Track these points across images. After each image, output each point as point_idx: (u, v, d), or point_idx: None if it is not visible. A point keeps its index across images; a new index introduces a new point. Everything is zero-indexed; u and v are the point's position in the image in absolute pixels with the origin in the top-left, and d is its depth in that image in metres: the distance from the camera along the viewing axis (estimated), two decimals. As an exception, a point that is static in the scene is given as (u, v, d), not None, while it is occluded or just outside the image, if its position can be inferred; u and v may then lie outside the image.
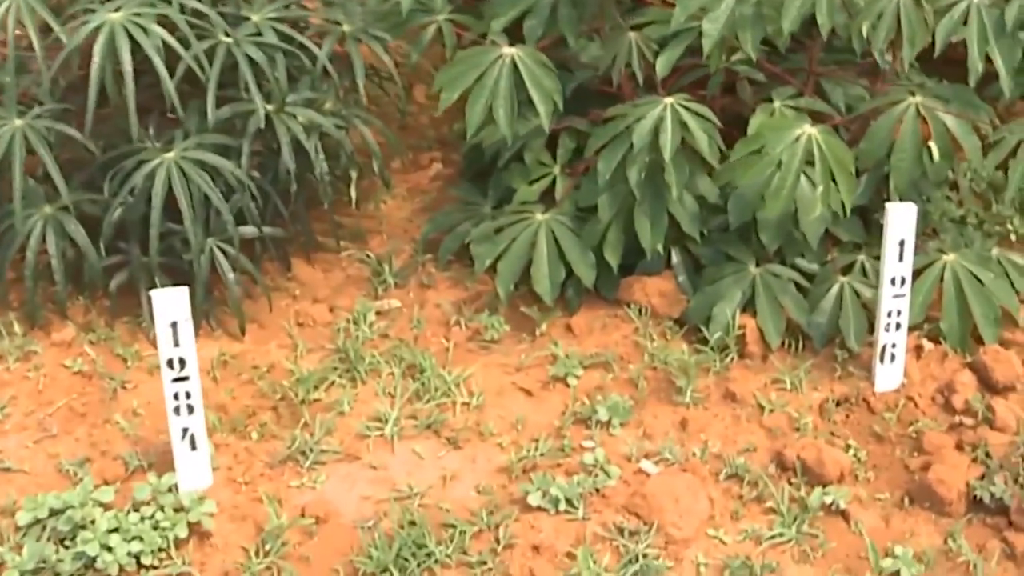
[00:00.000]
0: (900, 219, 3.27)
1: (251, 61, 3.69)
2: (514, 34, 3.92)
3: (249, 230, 3.73)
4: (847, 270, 3.72)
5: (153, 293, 2.96)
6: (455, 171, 4.48)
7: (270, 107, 3.73)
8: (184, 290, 2.95)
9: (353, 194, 4.19)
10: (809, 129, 3.47)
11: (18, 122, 3.62)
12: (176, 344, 3.00)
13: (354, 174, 4.13)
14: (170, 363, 3.02)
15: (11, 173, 3.57)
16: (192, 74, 3.60)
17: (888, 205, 3.26)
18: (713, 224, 3.77)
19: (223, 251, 3.67)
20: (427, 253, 4.14)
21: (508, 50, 3.70)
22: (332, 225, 4.11)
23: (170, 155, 3.57)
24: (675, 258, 3.82)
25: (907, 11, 3.47)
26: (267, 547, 3.03)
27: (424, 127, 4.52)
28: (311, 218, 4.07)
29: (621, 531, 3.10)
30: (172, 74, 3.57)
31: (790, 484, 3.23)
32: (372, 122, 3.99)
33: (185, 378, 3.05)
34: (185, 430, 3.11)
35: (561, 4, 3.85)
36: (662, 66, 3.68)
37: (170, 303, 2.95)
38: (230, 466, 3.30)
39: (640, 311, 3.76)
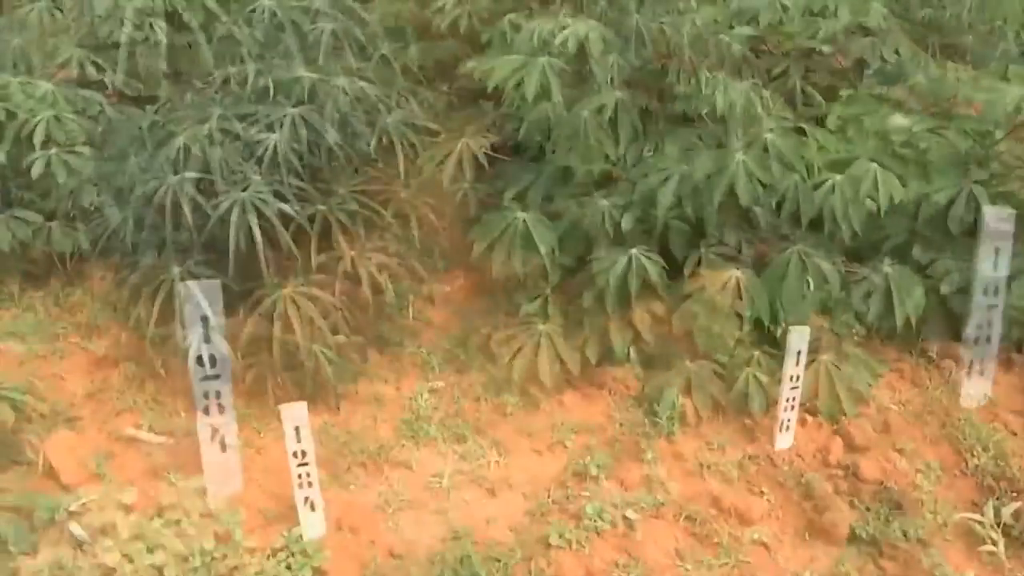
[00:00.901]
0: (798, 338, 3.09)
1: (340, 221, 3.47)
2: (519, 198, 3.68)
3: (340, 338, 3.50)
4: (749, 362, 3.45)
5: (282, 407, 2.73)
6: (472, 284, 4.20)
7: (353, 253, 3.49)
8: (303, 404, 2.73)
9: (412, 311, 3.91)
10: (736, 273, 3.28)
11: (177, 269, 3.38)
12: (299, 440, 2.77)
13: (412, 297, 3.89)
14: (295, 454, 2.78)
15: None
16: (299, 231, 3.37)
17: (791, 329, 3.04)
18: (659, 331, 3.53)
19: (323, 352, 3.39)
20: (460, 347, 3.87)
21: (520, 214, 3.54)
22: (395, 328, 3.83)
23: (286, 290, 3.35)
24: (633, 355, 3.55)
25: (802, 191, 3.26)
26: (370, 581, 2.79)
27: (450, 253, 4.21)
28: (380, 323, 3.76)
29: (617, 564, 2.89)
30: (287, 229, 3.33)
31: (728, 524, 2.99)
32: (422, 260, 3.76)
33: (306, 463, 2.78)
34: (307, 498, 2.89)
35: (553, 181, 3.61)
36: (626, 224, 3.50)
37: (294, 412, 2.75)
38: (338, 517, 3.02)
39: (610, 391, 3.53)
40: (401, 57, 4.73)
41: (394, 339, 3.87)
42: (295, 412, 2.72)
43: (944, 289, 3.81)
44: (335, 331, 3.47)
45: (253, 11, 4.64)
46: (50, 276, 4.31)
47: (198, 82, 4.10)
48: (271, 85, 3.69)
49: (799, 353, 3.10)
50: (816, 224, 3.44)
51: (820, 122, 4.15)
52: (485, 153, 3.69)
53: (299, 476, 2.82)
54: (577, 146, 3.39)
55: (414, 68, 4.73)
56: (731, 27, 5.14)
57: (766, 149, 3.34)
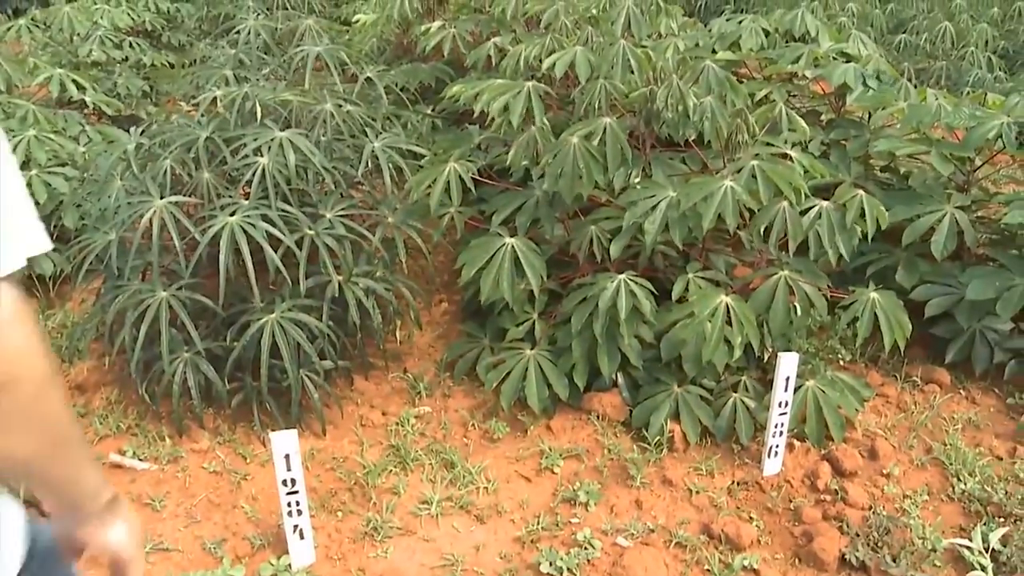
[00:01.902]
0: (787, 364, 3.08)
1: (327, 246, 3.43)
2: (507, 223, 3.69)
3: (327, 363, 3.49)
4: (736, 387, 3.46)
5: (272, 435, 2.71)
6: (456, 308, 4.22)
7: (340, 278, 3.46)
8: (294, 432, 2.73)
9: (399, 336, 3.88)
10: (725, 298, 3.27)
11: (163, 293, 3.33)
12: (288, 469, 2.74)
13: (398, 321, 3.86)
14: (284, 482, 2.76)
15: (159, 329, 3.27)
16: (286, 256, 3.32)
17: (780, 354, 3.05)
18: (646, 356, 3.50)
19: (310, 378, 3.37)
20: (446, 372, 3.87)
21: (509, 240, 3.52)
22: (381, 352, 3.80)
23: (273, 315, 3.31)
24: (620, 380, 3.57)
25: (790, 217, 3.27)
26: (363, 615, 2.73)
27: (433, 275, 4.20)
28: (366, 347, 3.74)
29: (607, 592, 2.83)
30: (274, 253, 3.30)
31: (718, 550, 2.98)
32: (409, 284, 3.69)
33: (295, 491, 2.75)
34: (296, 527, 2.85)
35: (540, 206, 3.60)
36: (615, 251, 3.49)
37: (284, 440, 2.74)
38: (326, 544, 2.98)
39: (598, 417, 3.53)
40: (385, 79, 4.74)
41: (380, 363, 3.85)
42: (286, 440, 2.69)
43: (928, 313, 3.86)
44: (322, 356, 3.45)
45: (238, 32, 4.63)
46: (31, 299, 4.27)
47: (183, 104, 4.08)
48: (258, 108, 3.68)
49: (788, 379, 3.10)
50: (801, 248, 3.45)
51: (804, 147, 4.18)
52: (472, 177, 3.67)
53: (288, 505, 2.78)
54: (565, 172, 3.38)
55: (397, 90, 4.73)
56: (713, 52, 5.20)
57: (754, 175, 3.34)
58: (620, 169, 3.54)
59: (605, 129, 3.43)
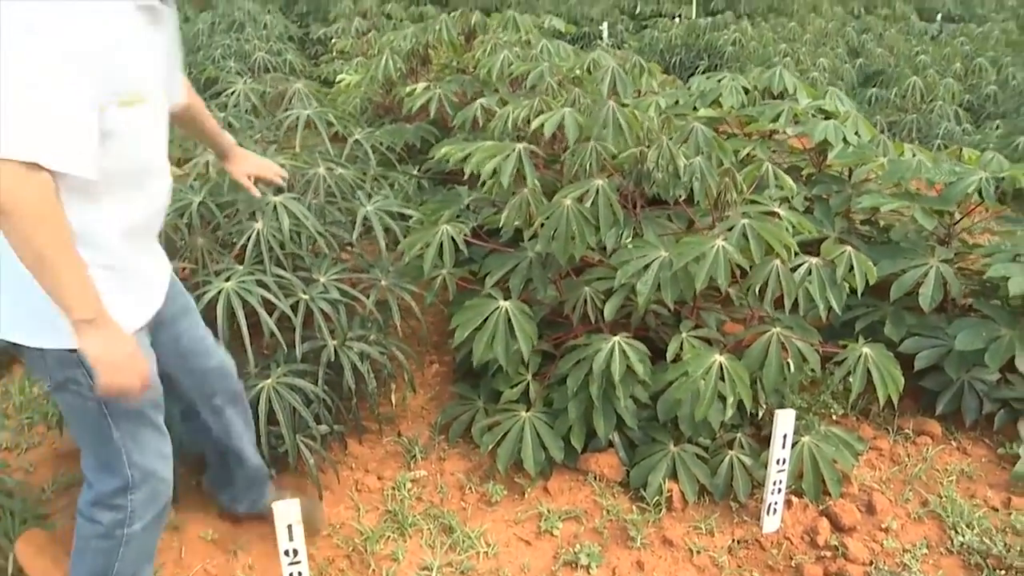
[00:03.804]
0: (784, 421, 3.06)
1: (322, 310, 3.39)
2: (500, 284, 3.68)
3: (323, 428, 3.40)
4: (731, 444, 3.43)
5: (274, 504, 2.61)
6: (449, 369, 4.18)
7: (335, 342, 3.41)
8: (296, 501, 2.63)
9: (393, 399, 3.83)
10: (719, 358, 3.25)
11: None
12: (291, 539, 2.66)
13: (392, 384, 3.82)
14: (287, 552, 2.67)
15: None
16: (280, 320, 3.28)
17: (777, 412, 3.04)
18: (642, 416, 3.50)
19: (306, 443, 3.30)
20: (441, 435, 3.82)
21: (502, 302, 3.50)
22: (375, 416, 3.75)
23: (269, 381, 3.24)
24: (616, 440, 3.54)
25: (783, 275, 3.28)
26: None
27: (426, 336, 4.17)
28: (360, 411, 3.69)
29: (614, 659, 2.77)
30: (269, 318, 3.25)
31: (722, 612, 2.92)
32: (403, 347, 3.64)
33: (298, 562, 2.68)
34: None
35: (533, 267, 3.59)
36: (608, 312, 3.48)
37: (287, 510, 2.64)
38: (327, 615, 2.89)
39: (596, 477, 3.48)
40: (371, 139, 4.74)
41: (375, 427, 3.79)
42: (288, 510, 2.63)
43: (917, 366, 3.86)
44: (318, 420, 3.39)
45: (228, 96, 4.62)
46: (13, 364, 4.19)
47: (175, 168, 4.04)
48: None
49: (785, 437, 3.07)
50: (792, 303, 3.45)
51: (789, 203, 4.20)
52: (464, 238, 3.66)
53: (290, 575, 2.72)
54: (559, 234, 3.37)
55: (383, 150, 4.73)
56: (694, 109, 5.24)
57: (745, 235, 3.34)
58: (612, 229, 3.53)
59: (597, 191, 3.43)
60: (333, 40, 8.54)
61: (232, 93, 4.53)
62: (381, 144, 4.84)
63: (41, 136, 1.78)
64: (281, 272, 3.39)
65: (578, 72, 5.01)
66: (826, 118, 4.86)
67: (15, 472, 3.50)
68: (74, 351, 2.02)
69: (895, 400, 3.41)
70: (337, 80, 6.51)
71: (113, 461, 2.32)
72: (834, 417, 3.90)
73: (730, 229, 3.39)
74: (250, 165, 3.07)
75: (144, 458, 2.36)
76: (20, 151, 1.75)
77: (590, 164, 3.60)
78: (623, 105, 4.29)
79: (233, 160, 3.03)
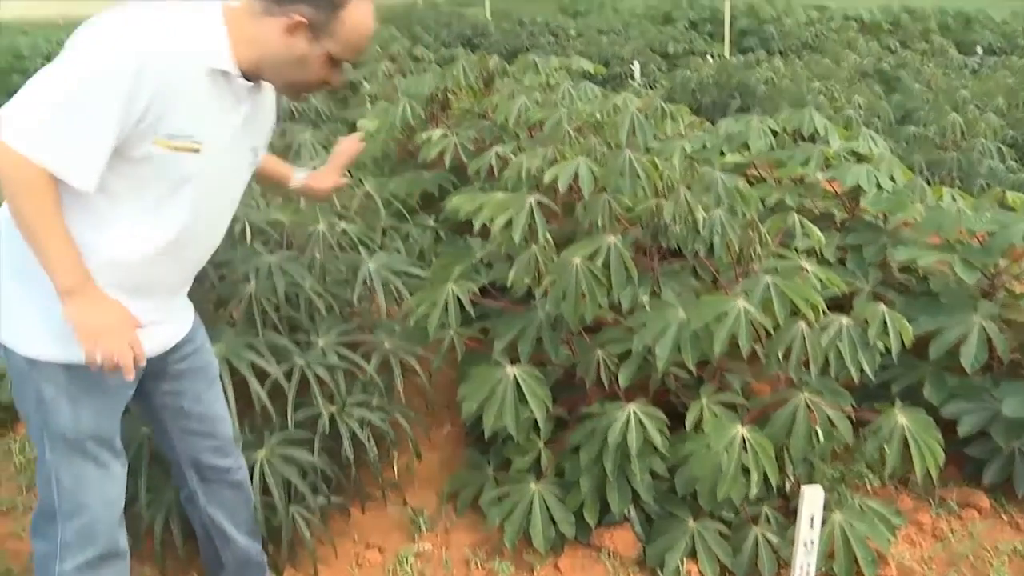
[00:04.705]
0: (812, 498, 2.77)
1: (318, 377, 3.17)
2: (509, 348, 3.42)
3: (320, 500, 3.17)
4: (756, 519, 3.15)
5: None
6: (459, 431, 3.92)
7: (333, 408, 3.19)
8: None
9: (396, 467, 3.59)
10: (741, 429, 3.01)
11: (144, 429, 3.00)
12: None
13: (395, 453, 3.58)
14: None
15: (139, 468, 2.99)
16: (274, 387, 3.06)
17: (803, 488, 2.76)
18: (660, 488, 3.24)
19: (302, 515, 3.07)
20: (448, 503, 3.54)
21: (510, 369, 3.23)
22: (379, 482, 3.48)
23: (263, 452, 3.02)
24: (632, 514, 3.26)
25: (809, 338, 3.00)
26: None
27: (433, 398, 3.92)
28: (362, 478, 3.43)
29: None
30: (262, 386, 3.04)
31: None
32: (407, 412, 3.41)
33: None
34: None
35: (543, 330, 3.34)
36: (624, 378, 3.23)
37: None
38: None
39: (609, 555, 3.20)
40: (386, 188, 4.53)
41: (378, 494, 3.53)
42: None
43: (961, 432, 3.54)
44: (315, 491, 3.15)
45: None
46: (15, 423, 4.04)
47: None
48: (247, 229, 3.45)
49: (813, 517, 2.78)
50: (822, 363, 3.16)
51: (819, 255, 3.92)
52: (473, 296, 3.42)
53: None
54: (568, 295, 3.12)
55: (399, 201, 4.52)
56: (721, 153, 4.98)
57: (768, 292, 3.08)
58: (626, 288, 3.28)
59: (609, 249, 3.18)
60: (361, 84, 8.39)
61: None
62: (396, 194, 4.63)
63: (51, 140, 1.89)
64: (275, 336, 3.17)
65: (599, 117, 4.78)
66: (859, 161, 4.59)
67: (8, 540, 3.31)
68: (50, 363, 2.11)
69: (934, 475, 3.10)
70: (357, 127, 6.33)
71: (45, 482, 2.26)
72: (869, 488, 3.58)
73: (753, 287, 3.13)
74: (328, 176, 2.89)
75: (78, 491, 2.25)
76: (27, 145, 1.88)
77: (603, 218, 3.35)
78: (645, 151, 4.05)
79: (312, 184, 2.88)
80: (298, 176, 2.82)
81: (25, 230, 1.95)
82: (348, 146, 2.90)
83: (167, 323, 2.35)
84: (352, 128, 7.21)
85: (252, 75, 2.14)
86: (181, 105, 2.00)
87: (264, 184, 2.86)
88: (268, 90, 2.32)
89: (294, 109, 7.49)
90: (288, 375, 3.11)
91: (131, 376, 2.09)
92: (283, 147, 4.51)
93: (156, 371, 2.35)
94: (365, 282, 3.50)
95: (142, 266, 2.13)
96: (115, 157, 1.97)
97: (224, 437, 2.61)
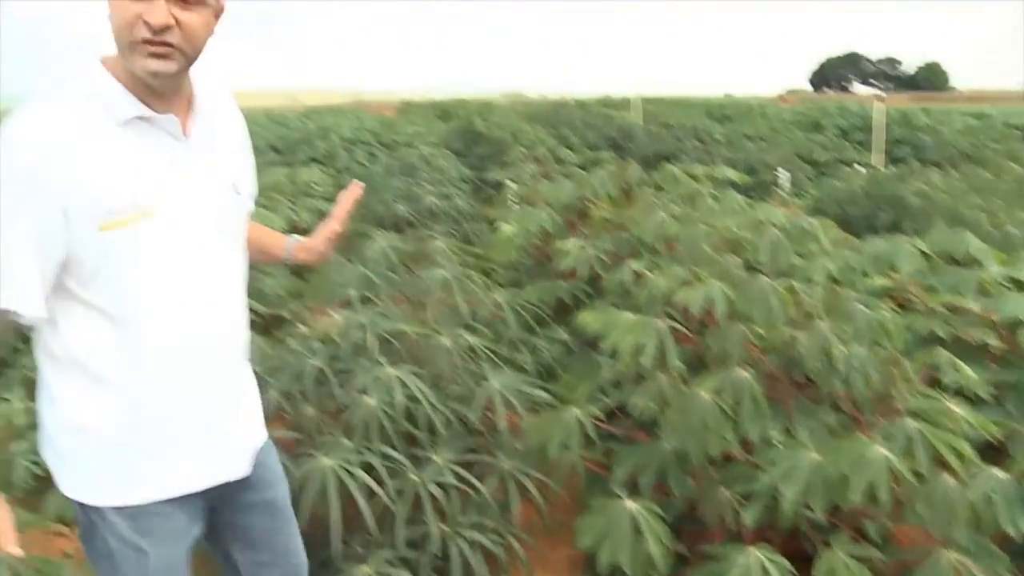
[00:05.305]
0: None
1: (431, 495, 3.08)
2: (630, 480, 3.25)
3: (425, 625, 2.99)
4: None
5: None
6: (575, 556, 3.70)
7: (445, 528, 3.07)
8: None
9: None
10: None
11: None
12: None
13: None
14: None
15: None
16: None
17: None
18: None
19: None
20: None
21: (630, 504, 3.03)
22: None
23: (366, 569, 2.92)
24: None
25: (956, 496, 2.76)
26: None
27: (550, 522, 3.71)
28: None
29: None
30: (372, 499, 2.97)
31: None
32: (522, 536, 3.28)
33: None
34: None
35: (667, 463, 3.16)
36: (750, 520, 3.00)
37: None
38: None
39: None
40: (519, 297, 4.46)
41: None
42: None
43: None
44: (419, 614, 3.04)
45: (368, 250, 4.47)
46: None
47: (301, 327, 3.87)
48: (372, 340, 3.42)
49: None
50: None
51: (975, 396, 3.62)
52: (596, 421, 3.28)
53: None
54: (694, 429, 2.94)
55: (531, 309, 4.44)
56: (865, 275, 4.73)
57: (911, 438, 2.83)
58: (756, 424, 3.08)
59: (740, 384, 3.00)
60: (504, 185, 8.46)
61: (373, 249, 4.39)
62: (528, 301, 4.56)
63: None
64: (391, 451, 3.09)
65: (738, 231, 4.62)
66: (1019, 290, 4.27)
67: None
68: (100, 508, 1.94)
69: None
70: (495, 229, 6.34)
71: None
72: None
73: (895, 431, 2.89)
74: (318, 241, 2.41)
75: None
76: None
77: (736, 349, 3.17)
78: (786, 270, 3.86)
79: (302, 251, 2.42)
80: (289, 247, 2.42)
81: None
82: (349, 195, 2.42)
83: (236, 437, 2.11)
84: (493, 227, 7.24)
85: (155, 99, 1.84)
86: (102, 173, 1.77)
87: (256, 260, 2.32)
88: (210, 108, 1.97)
89: (435, 207, 7.57)
90: (400, 492, 3.03)
91: None
92: (419, 253, 4.51)
93: (222, 502, 2.13)
94: (487, 401, 3.41)
95: (153, 379, 1.90)
96: (74, 272, 1.79)
97: (297, 569, 2.38)
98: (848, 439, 2.93)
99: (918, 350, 3.81)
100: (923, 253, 4.78)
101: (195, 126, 1.91)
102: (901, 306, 4.46)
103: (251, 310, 2.19)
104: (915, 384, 3.22)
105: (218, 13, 1.87)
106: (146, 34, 1.72)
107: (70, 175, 1.73)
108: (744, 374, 3.04)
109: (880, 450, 2.76)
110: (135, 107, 1.81)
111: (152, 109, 1.83)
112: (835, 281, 4.35)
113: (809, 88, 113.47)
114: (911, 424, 2.88)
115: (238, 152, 2.09)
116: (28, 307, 1.77)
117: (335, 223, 2.39)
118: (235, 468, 2.09)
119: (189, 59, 1.81)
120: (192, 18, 1.76)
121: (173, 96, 1.87)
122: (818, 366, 3.12)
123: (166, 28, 1.73)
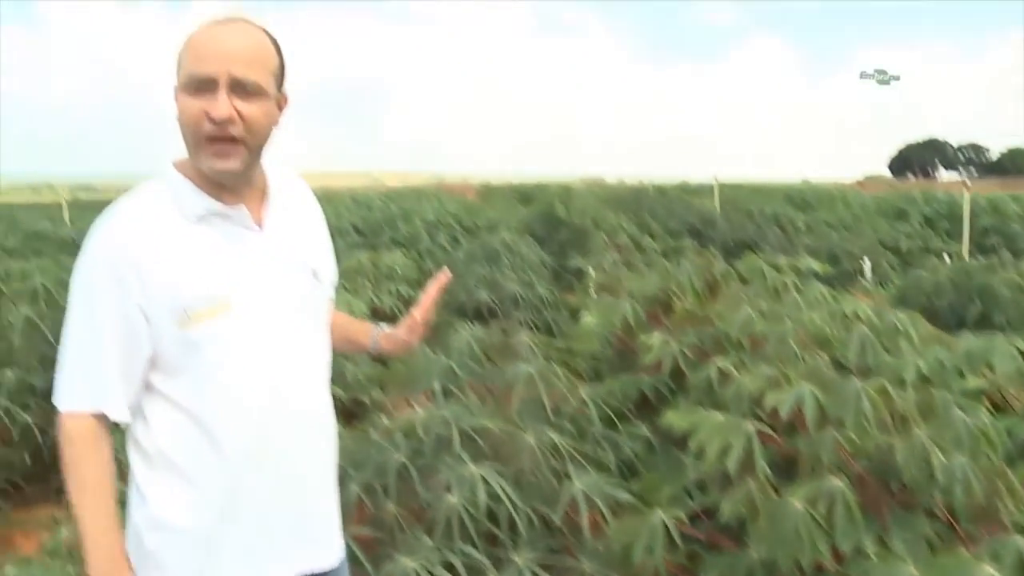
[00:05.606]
0: None
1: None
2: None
3: None
4: None
5: None
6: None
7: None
8: None
9: None
10: None
11: None
12: None
13: None
14: None
15: None
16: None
17: None
18: None
19: None
20: None
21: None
22: None
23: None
24: None
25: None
26: None
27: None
28: None
29: None
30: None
31: None
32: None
33: None
34: None
35: (757, 573, 3.05)
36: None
37: None
38: None
39: None
40: (600, 391, 4.39)
41: None
42: None
43: None
44: None
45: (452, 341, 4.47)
46: None
47: (383, 418, 3.85)
48: (455, 434, 3.38)
49: None
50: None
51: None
52: (680, 525, 3.17)
53: None
54: (785, 539, 2.82)
55: (613, 403, 4.36)
56: (960, 374, 4.57)
57: (1019, 558, 2.67)
58: (849, 534, 2.94)
59: (834, 493, 2.88)
60: (586, 272, 8.46)
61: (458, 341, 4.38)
62: (612, 395, 4.48)
63: (73, 385, 1.83)
64: (471, 551, 3.03)
65: (824, 327, 4.51)
66: None
67: None
68: None
69: None
70: (577, 318, 6.31)
71: None
72: None
73: (1001, 548, 2.73)
74: (404, 331, 2.32)
75: None
76: (60, 400, 1.83)
77: (827, 456, 3.06)
78: (871, 372, 3.73)
79: (388, 341, 2.34)
80: (375, 336, 2.34)
81: (69, 496, 1.82)
82: (437, 284, 2.32)
83: (311, 540, 2.03)
84: (574, 315, 7.21)
85: (226, 193, 1.87)
86: (175, 270, 1.80)
87: (340, 349, 2.24)
88: (284, 197, 1.99)
89: (517, 295, 7.58)
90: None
91: None
92: (503, 345, 4.48)
93: None
94: (569, 502, 3.33)
95: (238, 478, 1.87)
96: (160, 368, 1.83)
97: None
98: (951, 555, 2.78)
99: (1018, 456, 3.64)
100: (1021, 352, 4.59)
101: (269, 215, 1.93)
102: (997, 406, 4.29)
103: (332, 395, 2.17)
104: (1021, 496, 3.06)
105: (281, 104, 1.91)
106: (211, 128, 1.76)
107: (145, 275, 1.77)
108: (838, 483, 2.92)
109: (988, 569, 2.61)
110: (205, 202, 1.84)
111: (222, 203, 1.85)
112: (927, 380, 4.20)
113: (887, 174, 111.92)
114: (1020, 541, 2.73)
115: (316, 238, 2.07)
116: (114, 408, 1.82)
117: (421, 312, 2.32)
118: (319, 562, 2.04)
119: (253, 151, 1.84)
120: (253, 110, 1.79)
121: (244, 188, 1.90)
122: (916, 476, 2.98)
123: (229, 121, 1.76)
